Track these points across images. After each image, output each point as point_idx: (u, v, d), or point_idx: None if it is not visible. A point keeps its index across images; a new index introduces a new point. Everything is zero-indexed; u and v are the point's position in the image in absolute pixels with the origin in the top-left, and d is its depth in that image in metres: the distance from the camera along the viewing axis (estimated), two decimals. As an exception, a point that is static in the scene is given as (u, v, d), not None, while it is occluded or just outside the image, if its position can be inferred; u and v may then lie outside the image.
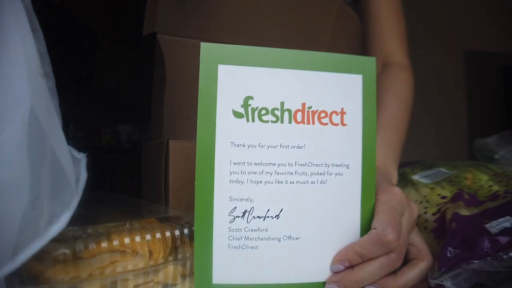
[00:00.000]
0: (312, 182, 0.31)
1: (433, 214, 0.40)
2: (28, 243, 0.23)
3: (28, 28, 0.25)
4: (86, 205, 0.29)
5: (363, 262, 0.30)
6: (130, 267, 0.28)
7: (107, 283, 0.27)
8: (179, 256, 0.31)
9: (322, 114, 0.31)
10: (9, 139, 0.22)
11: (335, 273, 0.31)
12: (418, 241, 0.34)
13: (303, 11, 0.52)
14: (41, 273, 0.25)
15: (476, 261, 0.31)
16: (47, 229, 0.25)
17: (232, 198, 0.30)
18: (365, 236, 0.31)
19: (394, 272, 0.32)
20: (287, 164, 0.31)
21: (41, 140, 0.24)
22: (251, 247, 0.30)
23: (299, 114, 0.31)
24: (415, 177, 0.48)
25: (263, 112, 0.30)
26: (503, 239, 0.32)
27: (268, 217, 0.30)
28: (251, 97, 0.30)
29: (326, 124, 0.31)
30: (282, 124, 0.31)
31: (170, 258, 0.30)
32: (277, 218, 0.31)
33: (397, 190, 0.33)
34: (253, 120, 0.30)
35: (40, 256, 0.24)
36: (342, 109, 0.32)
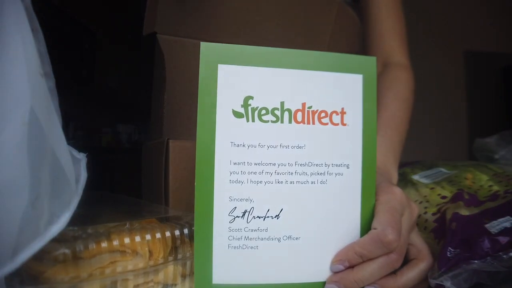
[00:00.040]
0: (312, 182, 0.31)
1: (433, 214, 0.40)
2: (28, 243, 0.23)
3: (28, 28, 0.25)
4: (86, 205, 0.29)
5: (363, 262, 0.30)
6: (130, 267, 0.28)
7: (107, 283, 0.27)
8: (179, 256, 0.31)
9: (322, 114, 0.31)
10: (9, 139, 0.22)
11: (335, 273, 0.31)
12: (418, 241, 0.34)
13: (303, 11, 0.52)
14: (41, 273, 0.25)
15: (476, 261, 0.31)
16: (47, 229, 0.25)
17: (232, 198, 0.30)
18: (365, 236, 0.31)
19: (394, 272, 0.32)
20: (287, 164, 0.31)
21: (41, 140, 0.24)
22: (251, 247, 0.30)
23: (299, 114, 0.31)
24: (415, 177, 0.48)
25: (263, 112, 0.30)
26: (503, 239, 0.32)
27: (268, 217, 0.30)
28: (251, 97, 0.30)
29: (326, 124, 0.31)
30: (282, 124, 0.31)
31: (170, 258, 0.30)
32: (277, 218, 0.31)
33: (398, 190, 0.33)
34: (253, 120, 0.30)
35: (40, 256, 0.24)
36: (343, 109, 0.32)
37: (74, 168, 0.29)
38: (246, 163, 0.30)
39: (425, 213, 0.40)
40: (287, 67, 0.31)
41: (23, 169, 0.23)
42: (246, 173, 0.30)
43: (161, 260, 0.30)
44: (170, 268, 0.30)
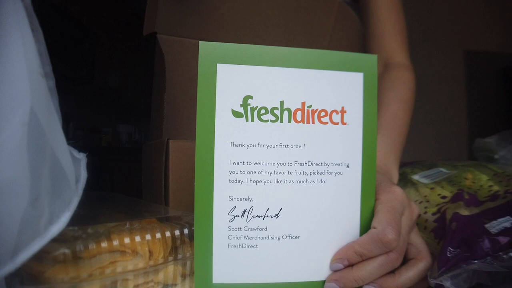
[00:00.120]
0: (311, 182, 0.31)
1: (433, 214, 0.40)
2: (28, 243, 0.23)
3: (28, 28, 0.25)
4: (86, 205, 0.29)
5: (363, 261, 0.30)
6: (130, 267, 0.28)
7: (107, 283, 0.27)
8: (179, 256, 0.31)
9: (322, 113, 0.31)
10: (9, 139, 0.22)
11: (334, 271, 0.31)
12: (417, 241, 0.34)
13: (303, 11, 0.52)
14: (41, 273, 0.25)
15: (476, 261, 0.31)
16: (47, 229, 0.25)
17: (231, 197, 0.30)
18: (365, 235, 0.31)
19: (393, 272, 0.32)
20: (286, 164, 0.31)
21: (41, 140, 0.24)
22: (251, 246, 0.30)
23: (299, 113, 0.31)
24: (415, 177, 0.48)
25: (263, 111, 0.30)
26: (503, 239, 0.32)
27: (267, 216, 0.30)
28: (250, 97, 0.30)
29: (326, 123, 0.31)
30: (281, 123, 0.31)
31: (170, 258, 0.30)
32: (277, 217, 0.31)
33: (398, 190, 0.33)
34: (252, 120, 0.30)
35: (40, 256, 0.24)
36: (343, 107, 0.31)
37: (74, 168, 0.29)
38: (245, 163, 0.30)
39: (425, 213, 0.40)
40: (286, 66, 0.31)
41: (23, 169, 0.23)
42: (246, 172, 0.30)
43: (161, 260, 0.30)
44: (170, 268, 0.30)
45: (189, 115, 0.47)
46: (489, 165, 0.48)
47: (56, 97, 0.29)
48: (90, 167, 0.32)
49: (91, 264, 0.26)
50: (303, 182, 0.31)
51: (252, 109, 0.30)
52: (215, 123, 0.30)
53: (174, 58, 0.46)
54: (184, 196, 0.43)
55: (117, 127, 2.13)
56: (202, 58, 0.30)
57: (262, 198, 0.30)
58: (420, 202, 0.42)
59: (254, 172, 0.30)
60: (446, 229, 0.36)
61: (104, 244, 0.27)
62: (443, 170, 0.48)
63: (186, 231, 0.31)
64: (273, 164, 0.30)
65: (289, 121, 0.31)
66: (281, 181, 0.31)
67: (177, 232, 0.31)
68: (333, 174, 0.31)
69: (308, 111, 0.31)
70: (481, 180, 0.43)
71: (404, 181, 0.48)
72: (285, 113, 0.31)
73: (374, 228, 0.30)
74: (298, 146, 0.31)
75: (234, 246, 0.30)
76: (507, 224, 0.34)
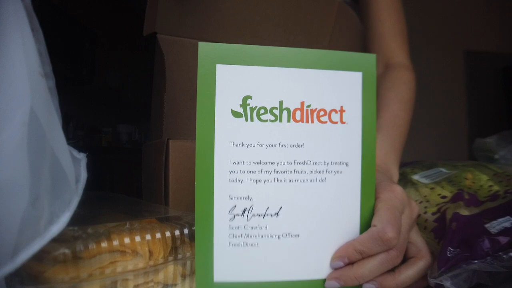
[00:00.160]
0: (311, 181, 0.31)
1: (433, 214, 0.40)
2: (28, 243, 0.23)
3: (28, 28, 0.25)
4: (86, 205, 0.29)
5: (363, 259, 0.31)
6: (130, 267, 0.28)
7: (107, 283, 0.27)
8: (179, 256, 0.31)
9: (321, 113, 0.31)
10: (9, 139, 0.22)
11: (335, 269, 0.31)
12: (417, 239, 0.34)
13: (303, 11, 0.52)
14: (41, 273, 0.25)
15: (476, 261, 0.31)
16: (47, 229, 0.25)
17: (232, 196, 0.30)
18: (365, 233, 0.31)
19: (392, 270, 0.32)
20: (286, 163, 0.31)
21: (41, 140, 0.24)
22: (251, 245, 0.30)
23: (298, 113, 0.31)
24: (415, 177, 0.48)
25: (262, 111, 0.30)
26: (503, 239, 0.32)
27: (267, 215, 0.30)
28: (249, 97, 0.30)
29: (325, 122, 0.31)
30: (281, 123, 0.31)
31: (170, 258, 0.30)
32: (277, 216, 0.31)
33: (398, 188, 0.33)
34: (251, 120, 0.30)
35: (40, 256, 0.24)
36: (342, 107, 0.31)
37: (74, 168, 0.29)
38: (245, 162, 0.30)
39: (425, 213, 0.40)
40: (285, 66, 0.31)
41: (23, 169, 0.23)
42: (246, 172, 0.30)
43: (161, 260, 0.30)
44: (170, 268, 0.30)
45: (189, 115, 0.47)
46: (489, 165, 0.48)
47: (56, 97, 0.29)
48: (90, 167, 0.32)
49: (91, 264, 0.26)
50: (302, 181, 0.31)
51: (252, 109, 0.30)
52: (215, 123, 0.30)
53: (174, 58, 0.46)
54: (184, 196, 0.43)
55: (117, 127, 2.13)
56: (201, 59, 0.30)
57: (262, 197, 0.30)
58: (420, 202, 0.42)
59: (254, 172, 0.30)
60: (446, 229, 0.36)
61: (104, 244, 0.27)
62: (443, 170, 0.48)
63: (186, 231, 0.31)
64: (273, 163, 0.30)
65: (288, 120, 0.31)
66: (280, 180, 0.31)
67: (177, 232, 0.31)
68: (333, 173, 0.31)
69: (307, 110, 0.31)
70: (481, 180, 0.43)
71: (404, 181, 0.48)
72: (284, 113, 0.31)
73: (374, 226, 0.30)
74: (298, 146, 0.31)
75: (235, 245, 0.30)
76: (507, 224, 0.34)
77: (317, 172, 0.31)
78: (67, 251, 0.25)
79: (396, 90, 0.52)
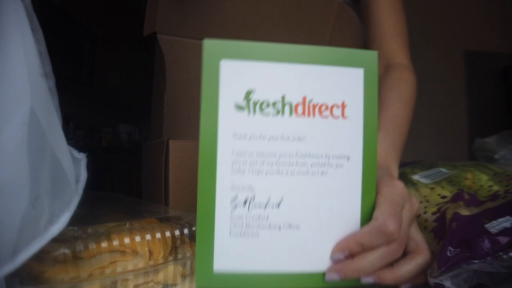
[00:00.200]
0: (312, 173, 0.31)
1: (433, 213, 0.40)
2: (28, 243, 0.23)
3: (28, 28, 0.25)
4: (86, 205, 0.29)
5: (364, 251, 0.31)
6: (130, 267, 0.28)
7: (107, 283, 0.27)
8: (179, 256, 0.31)
9: (323, 107, 0.32)
10: (9, 139, 0.22)
11: (335, 262, 0.31)
12: (417, 235, 0.34)
13: (303, 11, 0.52)
14: (41, 273, 0.25)
15: (476, 261, 0.31)
16: (47, 229, 0.25)
17: (234, 187, 0.30)
18: (366, 226, 0.31)
19: (391, 265, 0.32)
20: (288, 155, 0.31)
21: (41, 140, 0.24)
22: (252, 236, 0.31)
23: (300, 107, 0.31)
24: (415, 177, 0.48)
25: (264, 105, 0.31)
26: (503, 239, 0.32)
27: (269, 206, 0.31)
28: (252, 91, 0.31)
29: (327, 117, 0.32)
30: (283, 116, 0.31)
31: (170, 258, 0.30)
32: (278, 208, 0.31)
33: (399, 184, 0.33)
34: (254, 113, 0.31)
35: (40, 256, 0.24)
36: (343, 102, 0.32)
37: (74, 168, 0.29)
38: (247, 154, 0.31)
39: (425, 212, 0.40)
40: (288, 61, 0.31)
41: (23, 169, 0.23)
42: (248, 163, 0.31)
43: (161, 260, 0.30)
44: (170, 268, 0.30)
45: (189, 115, 0.47)
46: (489, 165, 0.48)
47: (56, 97, 0.29)
48: (90, 167, 0.32)
49: (91, 264, 0.26)
50: (304, 173, 0.31)
51: (254, 103, 0.31)
52: (218, 116, 0.30)
53: (174, 58, 0.46)
54: (184, 196, 0.43)
55: (117, 127, 2.13)
56: (206, 54, 0.30)
57: (264, 189, 0.31)
58: (420, 202, 0.42)
59: (256, 163, 0.31)
60: (446, 229, 0.36)
61: (104, 244, 0.27)
62: (443, 170, 0.48)
63: (186, 231, 0.31)
64: (275, 155, 0.31)
65: (291, 114, 0.31)
66: (282, 172, 0.31)
67: (177, 232, 0.31)
68: (334, 166, 0.32)
69: (309, 105, 0.32)
70: (481, 180, 0.43)
71: (404, 181, 0.48)
72: (287, 107, 0.31)
73: (376, 219, 0.31)
74: (299, 139, 0.31)
75: (236, 235, 0.30)
76: (507, 224, 0.34)
77: (318, 165, 0.32)
78: (67, 251, 0.25)
79: (396, 90, 0.52)
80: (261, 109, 0.31)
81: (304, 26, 0.52)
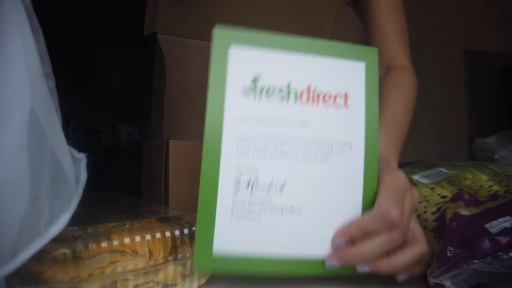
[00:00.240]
0: (315, 160, 0.32)
1: (433, 213, 0.40)
2: (28, 243, 0.23)
3: (28, 28, 0.25)
4: (86, 205, 0.29)
5: (365, 238, 0.30)
6: (130, 267, 0.28)
7: (107, 283, 0.27)
8: (179, 256, 0.31)
9: (327, 97, 0.33)
10: (9, 139, 0.22)
11: (336, 248, 0.31)
12: (415, 227, 0.34)
13: (303, 11, 0.52)
14: (41, 273, 0.25)
15: (476, 261, 0.31)
16: (47, 229, 0.25)
17: (237, 170, 0.31)
18: (369, 212, 0.31)
19: (387, 255, 0.32)
20: (291, 142, 0.32)
21: (41, 140, 0.24)
22: (254, 219, 0.31)
23: (305, 95, 0.32)
24: (415, 177, 0.48)
25: (270, 91, 0.32)
26: (503, 239, 0.32)
27: (271, 190, 0.31)
28: (259, 77, 0.32)
29: (330, 105, 0.33)
30: (287, 103, 0.32)
31: (170, 258, 0.30)
32: (280, 192, 0.31)
33: (401, 174, 0.34)
34: (260, 99, 0.32)
35: (40, 256, 0.24)
36: (346, 93, 0.33)
37: (74, 168, 0.29)
38: (252, 139, 0.31)
39: (425, 212, 0.40)
40: (294, 51, 0.33)
41: (23, 169, 0.23)
42: (252, 148, 0.31)
43: (161, 260, 0.30)
44: (170, 268, 0.30)
45: (189, 115, 0.47)
46: (489, 165, 0.48)
47: (56, 97, 0.29)
48: (90, 167, 0.32)
49: (91, 264, 0.26)
50: (307, 159, 0.32)
51: (261, 89, 0.32)
52: (225, 100, 0.31)
53: (174, 58, 0.46)
54: (184, 196, 0.43)
55: (117, 127, 2.13)
56: (216, 41, 0.31)
57: (267, 172, 0.31)
58: (420, 202, 0.42)
59: (260, 147, 0.31)
60: (446, 229, 0.36)
61: (104, 244, 0.27)
62: (443, 170, 0.48)
63: (186, 231, 0.31)
64: (279, 141, 0.32)
65: (295, 102, 0.32)
66: (286, 157, 0.32)
67: (177, 232, 0.31)
68: (337, 153, 0.33)
69: (313, 93, 0.33)
70: (481, 180, 0.43)
71: (404, 181, 0.48)
72: (292, 94, 0.32)
73: (379, 206, 0.31)
74: (303, 126, 0.32)
75: (237, 218, 0.31)
76: (507, 224, 0.34)
77: (321, 151, 0.32)
78: (67, 251, 0.25)
79: (397, 91, 0.52)
80: (267, 95, 0.32)
81: (304, 26, 0.52)
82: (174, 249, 0.31)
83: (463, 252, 0.32)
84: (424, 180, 0.46)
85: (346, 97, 0.33)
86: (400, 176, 0.33)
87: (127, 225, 0.31)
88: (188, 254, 0.31)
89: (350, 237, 0.31)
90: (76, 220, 0.27)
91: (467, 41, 1.84)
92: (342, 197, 0.32)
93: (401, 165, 0.49)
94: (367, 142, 0.33)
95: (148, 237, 0.29)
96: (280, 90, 0.32)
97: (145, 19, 0.46)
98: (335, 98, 0.33)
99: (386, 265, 0.31)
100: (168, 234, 0.30)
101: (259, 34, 0.32)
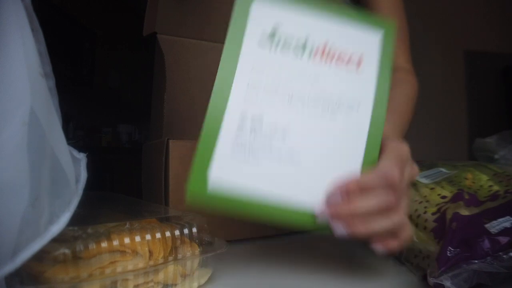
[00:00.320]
0: (322, 116, 0.33)
1: (433, 213, 0.40)
2: (28, 243, 0.23)
3: (28, 28, 0.25)
4: (86, 205, 0.29)
5: (361, 196, 0.30)
6: (130, 267, 0.28)
7: (107, 283, 0.27)
8: (179, 256, 0.31)
9: (341, 57, 0.34)
10: (9, 139, 0.22)
11: (330, 200, 0.31)
12: (406, 200, 0.34)
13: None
14: (41, 273, 0.25)
15: (476, 261, 0.31)
16: (47, 229, 0.25)
17: (243, 115, 0.31)
18: (369, 171, 0.31)
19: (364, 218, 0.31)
20: (301, 95, 0.33)
21: (41, 140, 0.24)
22: (252, 163, 0.31)
23: (319, 53, 0.33)
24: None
25: (286, 46, 0.33)
26: (503, 239, 0.32)
27: (274, 138, 0.32)
28: (277, 31, 0.33)
29: (343, 66, 0.34)
30: (301, 59, 0.33)
31: (170, 258, 0.30)
32: (282, 141, 0.32)
33: (405, 145, 0.34)
34: (275, 52, 0.33)
35: (40, 256, 0.24)
36: (361, 56, 0.34)
37: (74, 168, 0.29)
38: (262, 88, 0.32)
39: (425, 213, 0.40)
40: (314, 11, 0.34)
41: (23, 169, 0.23)
42: (261, 96, 0.32)
43: (161, 260, 0.30)
44: (170, 268, 0.30)
45: (189, 115, 0.47)
46: (489, 165, 0.48)
47: (56, 97, 0.29)
48: (90, 167, 0.32)
49: (91, 264, 0.26)
50: (314, 115, 0.33)
51: (278, 41, 0.33)
52: (241, 50, 0.32)
53: (174, 58, 0.46)
54: (184, 196, 0.43)
55: (117, 127, 2.13)
56: None
57: (273, 121, 0.32)
58: (420, 202, 0.42)
59: (269, 98, 0.32)
60: (446, 229, 0.36)
61: (104, 244, 0.27)
62: (443, 170, 0.48)
63: (186, 231, 0.31)
64: (288, 94, 0.32)
65: (309, 58, 0.33)
66: (292, 109, 0.32)
67: (177, 232, 0.31)
68: (344, 113, 0.33)
69: (328, 52, 0.34)
70: (481, 180, 0.43)
71: (404, 181, 0.48)
72: (306, 52, 0.33)
73: (380, 165, 0.31)
74: (314, 82, 0.33)
75: (237, 160, 0.31)
76: (507, 224, 0.34)
77: (328, 108, 0.33)
78: (67, 251, 0.25)
79: (399, 88, 0.52)
80: (283, 49, 0.33)
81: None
82: (174, 249, 0.31)
83: (463, 252, 0.32)
84: (424, 180, 0.46)
85: (360, 59, 0.34)
86: (404, 146, 0.33)
87: (127, 225, 0.31)
88: (188, 254, 0.31)
89: (346, 190, 0.31)
90: (76, 220, 0.27)
91: (467, 41, 1.84)
92: (342, 156, 0.33)
93: (401, 165, 0.49)
94: (375, 104, 0.34)
95: (148, 237, 0.29)
96: (296, 46, 0.33)
97: (145, 19, 0.46)
98: (349, 60, 0.34)
99: (362, 227, 0.30)
100: (168, 234, 0.30)
101: None
